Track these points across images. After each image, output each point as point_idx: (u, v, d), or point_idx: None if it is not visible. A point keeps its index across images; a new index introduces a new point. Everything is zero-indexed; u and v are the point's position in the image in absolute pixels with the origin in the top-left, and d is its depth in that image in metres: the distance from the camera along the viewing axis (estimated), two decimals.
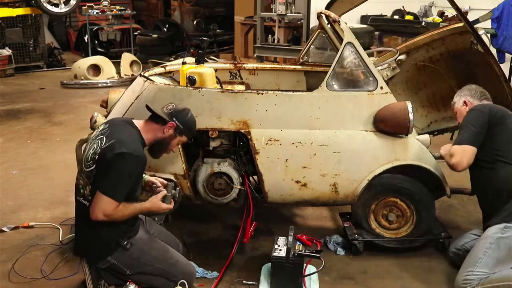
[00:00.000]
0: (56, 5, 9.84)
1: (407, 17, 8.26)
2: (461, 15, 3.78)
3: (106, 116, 3.76)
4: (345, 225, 3.71)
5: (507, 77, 4.64)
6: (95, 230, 2.81)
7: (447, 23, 6.35)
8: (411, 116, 3.30)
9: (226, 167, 3.46)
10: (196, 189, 3.51)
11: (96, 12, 10.75)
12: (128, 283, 2.91)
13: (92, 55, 10.05)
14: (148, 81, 3.51)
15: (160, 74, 3.99)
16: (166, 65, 4.20)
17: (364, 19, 8.40)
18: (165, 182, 3.05)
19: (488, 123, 3.18)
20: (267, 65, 4.65)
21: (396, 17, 8.35)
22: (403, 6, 8.50)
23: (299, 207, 4.22)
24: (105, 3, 10.79)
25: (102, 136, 2.81)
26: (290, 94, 3.45)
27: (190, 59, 3.94)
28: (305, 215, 4.21)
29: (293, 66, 4.43)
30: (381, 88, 3.42)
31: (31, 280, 3.22)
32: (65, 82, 8.97)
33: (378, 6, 8.34)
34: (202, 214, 4.12)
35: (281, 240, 3.17)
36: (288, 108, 3.37)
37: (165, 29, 11.75)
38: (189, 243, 3.68)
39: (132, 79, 7.64)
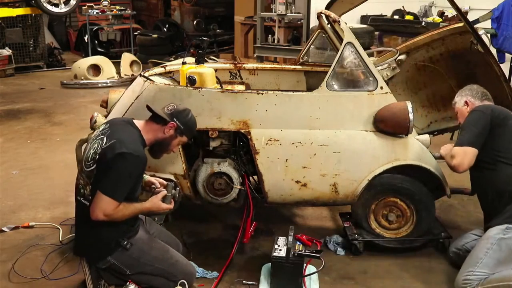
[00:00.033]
0: (56, 5, 9.84)
1: (407, 17, 8.26)
2: (461, 15, 3.78)
3: (106, 116, 3.76)
4: (345, 225, 3.71)
5: (507, 77, 4.64)
6: (95, 230, 2.81)
7: (447, 23, 6.35)
8: (411, 116, 3.30)
9: (226, 167, 3.46)
10: (196, 189, 3.51)
11: (96, 12, 10.75)
12: (128, 283, 2.91)
13: (92, 55, 10.06)
14: (148, 81, 3.51)
15: (160, 74, 3.99)
16: (166, 65, 4.20)
17: (364, 19, 8.40)
18: (165, 182, 3.05)
19: (490, 124, 3.17)
20: (267, 65, 4.65)
21: (396, 17, 8.35)
22: (403, 6, 8.50)
23: (299, 207, 4.22)
24: (105, 3, 10.79)
25: (102, 136, 2.81)
26: (290, 94, 3.45)
27: (190, 59, 3.94)
28: (305, 215, 4.21)
29: (293, 66, 4.43)
30: (381, 88, 3.42)
31: (31, 280, 3.23)
32: (65, 82, 8.97)
33: (378, 6, 8.34)
34: (202, 214, 4.12)
35: (281, 240, 3.17)
36: (288, 108, 3.37)
37: (165, 29, 11.75)
38: (189, 243, 3.68)
39: (132, 79, 7.64)
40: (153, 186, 3.04)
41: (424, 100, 4.33)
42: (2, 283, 3.20)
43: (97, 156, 2.74)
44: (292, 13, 8.07)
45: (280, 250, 3.07)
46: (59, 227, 3.86)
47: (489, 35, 6.55)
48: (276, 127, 3.37)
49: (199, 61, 3.80)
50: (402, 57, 3.84)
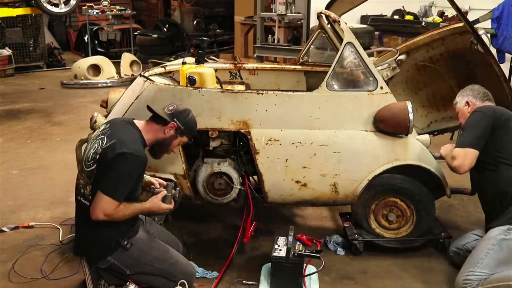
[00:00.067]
0: (56, 5, 9.84)
1: (407, 17, 8.26)
2: (461, 15, 3.78)
3: (106, 116, 3.76)
4: (345, 225, 3.71)
5: (507, 77, 4.64)
6: (95, 230, 2.81)
7: (447, 23, 6.35)
8: (411, 116, 3.30)
9: (226, 167, 3.46)
10: (196, 189, 3.51)
11: (96, 12, 10.75)
12: (128, 283, 2.91)
13: (92, 55, 10.06)
14: (148, 81, 3.51)
15: (160, 74, 3.99)
16: (166, 65, 4.20)
17: (364, 19, 8.40)
18: (165, 183, 3.05)
19: (492, 125, 3.16)
20: (267, 65, 4.65)
21: (396, 17, 8.35)
22: (403, 6, 8.50)
23: (299, 207, 4.22)
24: (105, 3, 10.79)
25: (103, 136, 2.81)
26: (290, 94, 3.45)
27: (190, 59, 3.94)
28: (305, 215, 4.21)
29: (293, 66, 4.43)
30: (381, 88, 3.42)
31: (31, 280, 3.22)
32: (65, 82, 8.97)
33: (378, 6, 8.34)
34: (202, 214, 4.12)
35: (281, 240, 3.17)
36: (288, 108, 3.37)
37: (165, 29, 11.75)
38: (189, 243, 3.68)
39: (132, 79, 7.64)
40: (152, 186, 3.04)
41: (424, 100, 4.32)
42: (2, 283, 3.20)
43: (98, 156, 2.74)
44: (292, 13, 8.07)
45: (280, 250, 3.07)
46: (59, 227, 3.86)
47: (489, 35, 6.55)
48: (276, 127, 3.37)
49: (199, 61, 3.80)
50: (402, 57, 3.84)
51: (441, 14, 7.88)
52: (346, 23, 3.57)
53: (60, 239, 3.70)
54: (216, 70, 3.83)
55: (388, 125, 3.38)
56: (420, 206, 3.49)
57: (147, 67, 8.08)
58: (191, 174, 3.54)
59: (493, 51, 6.24)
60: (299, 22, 8.51)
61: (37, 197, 4.47)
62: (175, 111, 2.95)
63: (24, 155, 5.53)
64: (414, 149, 3.44)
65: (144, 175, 3.05)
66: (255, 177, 3.55)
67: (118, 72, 9.01)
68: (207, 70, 3.66)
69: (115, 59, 9.61)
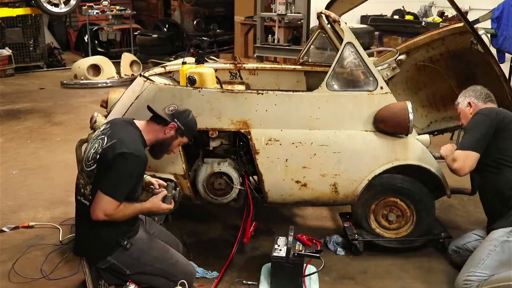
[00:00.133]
0: (56, 5, 9.84)
1: (407, 17, 8.26)
2: (461, 15, 3.78)
3: (106, 116, 3.76)
4: (345, 225, 3.71)
5: (507, 77, 4.64)
6: (95, 230, 2.81)
7: (447, 23, 6.35)
8: (411, 116, 3.30)
9: (226, 167, 3.46)
10: (196, 189, 3.51)
11: (96, 12, 10.75)
12: (128, 283, 2.91)
13: (92, 55, 10.06)
14: (148, 81, 3.51)
15: (160, 74, 3.99)
16: (166, 65, 4.20)
17: (364, 19, 8.40)
18: (164, 183, 3.05)
19: (495, 128, 3.15)
20: (267, 65, 4.65)
21: (396, 17, 8.35)
22: (403, 6, 8.50)
23: (299, 207, 4.22)
24: (105, 3, 10.79)
25: (103, 136, 2.81)
26: (290, 94, 3.45)
27: (190, 59, 3.94)
28: (305, 215, 4.21)
29: (293, 66, 4.43)
30: (381, 88, 3.42)
31: (31, 280, 3.23)
32: (65, 82, 8.97)
33: (378, 6, 8.33)
34: (202, 214, 4.12)
35: (281, 240, 3.17)
36: (288, 108, 3.37)
37: (165, 29, 11.75)
38: (189, 243, 3.68)
39: (132, 79, 7.64)
40: (151, 187, 3.04)
41: (424, 100, 4.32)
42: (2, 283, 3.20)
43: (98, 156, 2.74)
44: (292, 13, 8.07)
45: (280, 250, 3.07)
46: (59, 227, 3.86)
47: (489, 35, 6.55)
48: (276, 127, 3.37)
49: (199, 61, 3.80)
50: (402, 57, 3.84)
51: (441, 14, 7.88)
52: (346, 23, 3.57)
53: (60, 239, 3.70)
54: (216, 70, 3.83)
55: (388, 125, 3.38)
56: (420, 206, 3.49)
57: (147, 67, 8.08)
58: (191, 174, 3.54)
59: (493, 51, 6.24)
60: (299, 22, 8.51)
61: (37, 197, 4.47)
62: (176, 112, 2.95)
63: (24, 155, 5.54)
64: (414, 149, 3.44)
65: (144, 176, 3.05)
66: (255, 177, 3.55)
67: (118, 72, 9.01)
68: (207, 70, 3.66)
69: (115, 59, 9.62)
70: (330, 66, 3.46)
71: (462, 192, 3.86)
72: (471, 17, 6.07)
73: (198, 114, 3.24)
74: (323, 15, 4.18)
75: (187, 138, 3.04)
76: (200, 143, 3.54)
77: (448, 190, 3.51)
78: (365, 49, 3.53)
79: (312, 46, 4.59)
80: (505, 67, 5.83)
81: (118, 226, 2.81)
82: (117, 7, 11.14)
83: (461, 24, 3.87)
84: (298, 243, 3.19)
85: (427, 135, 3.63)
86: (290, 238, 3.06)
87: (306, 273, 3.09)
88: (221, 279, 3.23)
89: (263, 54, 8.42)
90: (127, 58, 9.31)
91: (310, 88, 4.10)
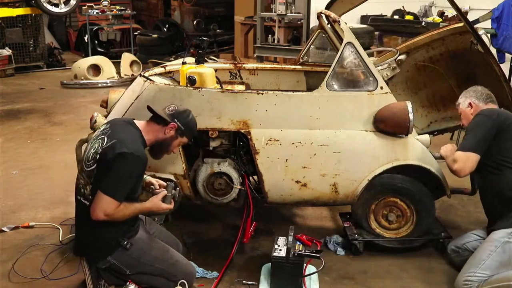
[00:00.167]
0: (56, 5, 9.84)
1: (407, 17, 8.26)
2: (461, 15, 3.78)
3: (106, 116, 3.76)
4: (345, 225, 3.71)
5: (507, 77, 4.64)
6: (95, 230, 2.81)
7: (447, 23, 6.35)
8: (411, 116, 3.30)
9: (226, 167, 3.46)
10: (196, 189, 3.51)
11: (96, 12, 10.75)
12: (128, 283, 2.91)
13: (92, 55, 10.06)
14: (148, 81, 3.51)
15: (160, 74, 3.99)
16: (166, 65, 4.20)
17: (364, 19, 8.40)
18: (164, 184, 3.05)
19: (496, 129, 3.15)
20: (267, 65, 4.65)
21: (396, 17, 8.34)
22: (403, 6, 8.50)
23: (299, 207, 4.22)
24: (105, 3, 10.79)
25: (103, 136, 2.81)
26: (290, 94, 3.45)
27: (190, 59, 3.94)
28: (305, 215, 4.21)
29: (293, 66, 4.43)
30: (381, 88, 3.42)
31: (31, 280, 3.23)
32: (65, 82, 8.97)
33: (378, 6, 8.34)
34: (202, 214, 4.12)
35: (281, 240, 3.17)
36: (288, 108, 3.37)
37: (165, 29, 11.75)
38: (189, 243, 3.68)
39: (132, 79, 7.64)
40: (151, 187, 3.04)
41: (424, 100, 4.32)
42: (2, 283, 3.20)
43: (98, 156, 2.74)
44: (292, 13, 8.07)
45: (280, 250, 3.07)
46: (59, 227, 3.86)
47: (489, 35, 6.55)
48: (276, 127, 3.37)
49: (199, 61, 3.80)
50: (402, 57, 3.84)
51: (441, 14, 7.88)
52: (346, 23, 3.57)
53: (60, 239, 3.70)
54: (216, 70, 3.83)
55: (388, 125, 3.38)
56: (420, 206, 3.49)
57: (147, 67, 8.08)
58: (191, 174, 3.54)
59: (493, 51, 6.24)
60: (299, 22, 8.51)
61: (37, 197, 4.47)
62: (176, 112, 2.95)
63: (24, 155, 5.53)
64: (414, 149, 3.44)
65: (144, 176, 3.05)
66: (255, 177, 3.55)
67: (118, 72, 9.01)
68: (207, 70, 3.66)
69: (115, 59, 9.62)
70: (330, 66, 3.46)
71: (462, 192, 3.86)
72: (471, 17, 6.07)
73: (198, 114, 3.24)
74: (323, 15, 4.18)
75: (187, 138, 3.04)
76: (200, 143, 3.54)
77: (448, 190, 3.51)
78: (365, 49, 3.53)
79: (312, 46, 4.59)
80: (505, 67, 5.83)
81: (118, 226, 2.81)
82: (117, 7, 11.14)
83: (461, 24, 3.87)
84: (298, 243, 3.19)
85: (427, 135, 3.63)
86: (290, 238, 3.06)
87: (306, 273, 3.09)
88: (221, 279, 3.23)
89: (263, 54, 8.42)
90: (127, 58, 9.31)
91: (310, 88, 4.10)
